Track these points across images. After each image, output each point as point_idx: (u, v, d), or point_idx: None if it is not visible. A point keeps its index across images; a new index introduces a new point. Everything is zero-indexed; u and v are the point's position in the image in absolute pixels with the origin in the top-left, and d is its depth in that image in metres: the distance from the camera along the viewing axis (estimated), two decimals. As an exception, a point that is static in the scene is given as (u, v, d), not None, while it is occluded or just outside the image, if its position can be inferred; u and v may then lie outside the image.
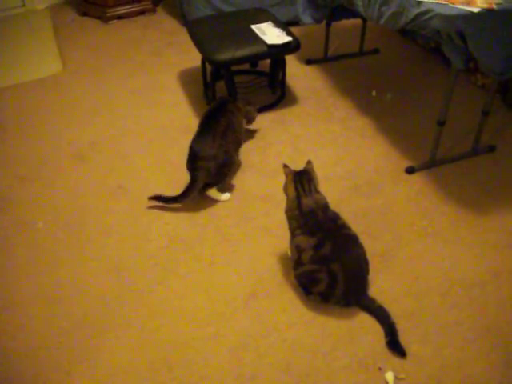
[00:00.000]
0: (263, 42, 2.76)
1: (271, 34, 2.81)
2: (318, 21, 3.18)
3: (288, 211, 2.03)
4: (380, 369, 1.80)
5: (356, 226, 2.03)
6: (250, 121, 2.74)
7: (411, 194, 2.50)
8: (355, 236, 1.98)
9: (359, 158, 2.72)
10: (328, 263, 1.90)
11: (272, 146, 2.80)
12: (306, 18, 3.15)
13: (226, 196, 2.47)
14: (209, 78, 3.10)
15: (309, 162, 2.05)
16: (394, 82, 3.36)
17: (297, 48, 2.84)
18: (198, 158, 2.37)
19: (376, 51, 3.64)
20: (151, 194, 2.42)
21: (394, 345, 1.85)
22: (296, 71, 3.40)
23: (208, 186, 2.44)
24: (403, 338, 1.86)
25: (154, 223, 2.36)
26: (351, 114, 3.04)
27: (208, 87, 3.13)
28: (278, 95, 3.11)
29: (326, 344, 1.88)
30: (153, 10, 4.19)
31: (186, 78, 3.41)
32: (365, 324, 1.94)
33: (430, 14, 2.03)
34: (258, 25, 2.91)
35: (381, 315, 1.94)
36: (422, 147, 2.76)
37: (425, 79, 3.40)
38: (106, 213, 2.43)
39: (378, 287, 2.06)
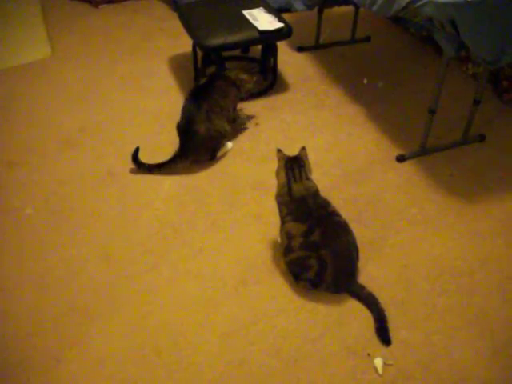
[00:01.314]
0: (255, 27, 2.74)
1: (263, 20, 2.79)
2: (310, 7, 3.16)
3: (278, 197, 2.03)
4: (369, 355, 1.81)
5: (346, 213, 2.04)
6: (242, 91, 2.67)
7: (401, 182, 2.51)
8: (345, 223, 1.99)
9: (350, 146, 2.72)
10: (318, 250, 1.90)
11: (263, 133, 2.79)
12: (299, 5, 3.13)
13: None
14: (200, 64, 3.08)
15: (303, 149, 2.04)
16: (386, 70, 3.35)
17: (288, 34, 2.82)
18: (190, 130, 2.43)
19: (367, 39, 3.62)
20: (141, 181, 2.41)
21: (382, 332, 1.86)
22: (287, 58, 3.37)
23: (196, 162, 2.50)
24: (392, 325, 1.88)
25: (145, 209, 2.35)
26: (342, 101, 3.04)
27: (199, 73, 3.10)
28: (270, 82, 3.09)
29: (315, 330, 1.88)
30: (143, -5, 4.15)
31: (176, 64, 3.38)
32: (354, 310, 1.94)
33: (423, 1, 2.02)
34: (249, 10, 2.89)
35: (370, 302, 1.95)
36: (413, 135, 2.76)
37: (416, 68, 3.39)
38: (96, 199, 2.41)
39: (368, 274, 2.07)
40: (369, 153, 2.67)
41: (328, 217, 1.96)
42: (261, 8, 2.91)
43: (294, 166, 2.00)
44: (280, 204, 2.02)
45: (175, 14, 3.77)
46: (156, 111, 2.96)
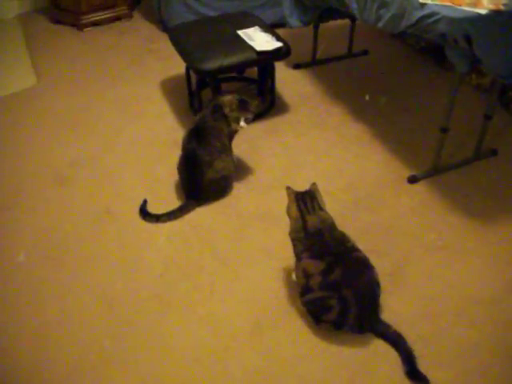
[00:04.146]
0: (252, 48, 2.61)
1: (260, 40, 2.66)
2: (306, 23, 3.04)
3: (292, 233, 1.89)
4: (402, 401, 1.68)
5: (361, 243, 1.90)
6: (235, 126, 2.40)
7: (415, 206, 2.38)
8: (366, 258, 1.85)
9: (358, 168, 2.59)
10: (339, 289, 1.77)
11: (265, 159, 2.65)
12: (294, 22, 3.01)
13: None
14: (194, 87, 2.94)
15: (313, 184, 1.91)
16: (387, 85, 3.24)
17: (287, 54, 2.69)
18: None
19: (365, 52, 3.51)
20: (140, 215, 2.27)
21: (414, 374, 1.73)
22: (284, 76, 3.25)
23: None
24: (421, 364, 1.74)
25: (147, 250, 2.19)
26: (345, 120, 2.92)
27: (193, 96, 2.97)
28: (268, 103, 2.96)
29: (341, 376, 1.74)
30: (129, 16, 3.99)
31: (169, 87, 3.24)
32: (380, 352, 1.81)
33: (436, 18, 1.91)
34: (244, 30, 2.76)
35: (397, 342, 1.81)
36: (422, 153, 2.65)
37: (417, 80, 3.29)
38: (93, 240, 2.25)
39: (390, 310, 1.93)
40: (379, 175, 2.55)
41: (347, 253, 1.82)
42: (256, 27, 2.78)
43: (305, 198, 1.87)
44: (294, 240, 1.88)
45: (164, 35, 3.66)
46: (152, 139, 2.81)
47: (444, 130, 2.37)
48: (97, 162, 2.67)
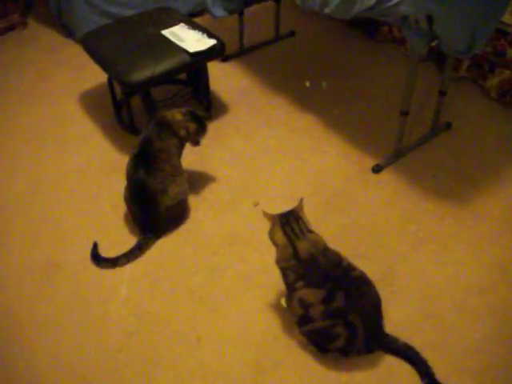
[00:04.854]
0: (184, 50, 2.31)
1: (190, 39, 2.37)
2: (232, 12, 2.78)
3: (281, 262, 1.68)
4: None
5: (343, 249, 1.71)
6: (187, 138, 2.12)
7: (387, 197, 2.26)
8: (363, 274, 1.69)
9: (318, 165, 2.42)
10: (344, 316, 1.60)
11: (217, 170, 2.40)
12: (218, 11, 2.73)
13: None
14: (119, 97, 2.61)
15: (300, 201, 1.71)
16: (323, 66, 3.07)
17: (222, 51, 2.43)
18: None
19: (292, 34, 3.32)
20: (92, 270, 1.96)
21: (434, 384, 1.62)
22: (214, 72, 2.95)
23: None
24: (436, 372, 1.62)
25: (111, 302, 1.89)
26: (291, 112, 2.72)
27: (120, 107, 2.64)
28: (205, 106, 2.68)
29: (360, 406, 1.60)
30: (24, 24, 3.47)
31: (89, 102, 2.85)
32: (395, 369, 1.67)
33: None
34: (169, 29, 2.45)
35: (408, 354, 1.69)
36: (379, 137, 2.53)
37: (352, 57, 3.16)
38: (44, 301, 1.90)
39: (391, 319, 1.79)
40: (342, 169, 2.39)
41: (345, 275, 1.65)
42: (181, 24, 2.48)
43: (290, 221, 1.67)
44: (284, 269, 1.68)
45: (69, 41, 3.25)
46: (83, 166, 2.45)
47: (404, 113, 2.25)
48: (25, 204, 2.28)
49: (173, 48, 2.34)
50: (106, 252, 2.03)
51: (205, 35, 2.40)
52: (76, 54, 3.12)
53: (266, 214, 1.69)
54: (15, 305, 1.90)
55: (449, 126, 2.57)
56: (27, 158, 2.51)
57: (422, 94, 2.49)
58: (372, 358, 1.70)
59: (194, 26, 2.47)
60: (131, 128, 2.55)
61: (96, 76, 2.90)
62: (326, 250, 1.67)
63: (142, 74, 2.24)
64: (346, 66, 3.08)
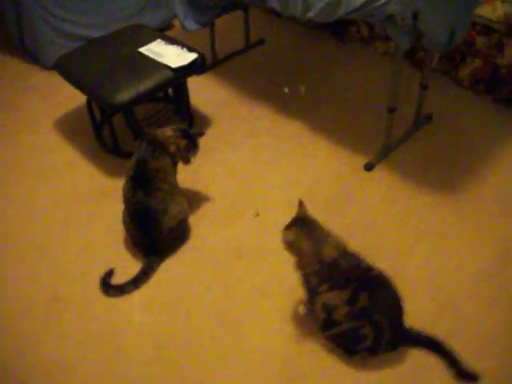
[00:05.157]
0: (166, 66, 2.27)
1: (170, 55, 2.33)
2: (203, 24, 2.75)
3: (305, 269, 1.66)
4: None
5: None
6: (179, 157, 2.08)
7: (383, 193, 2.29)
8: (381, 273, 1.70)
9: (311, 170, 2.42)
10: (370, 316, 1.60)
11: (211, 185, 2.36)
12: (191, 24, 2.70)
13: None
14: (98, 119, 2.54)
15: (300, 204, 1.70)
16: (297, 71, 3.09)
17: (203, 64, 2.40)
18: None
19: (262, 41, 3.32)
20: (100, 295, 1.90)
21: (463, 374, 1.64)
22: (191, 86, 2.89)
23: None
24: (464, 361, 1.64)
25: (124, 334, 1.81)
26: (275, 120, 2.71)
27: (100, 129, 2.57)
28: (187, 121, 2.64)
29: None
30: (-20, 51, 3.33)
31: (66, 128, 2.74)
32: (421, 362, 1.69)
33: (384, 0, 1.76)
34: (146, 46, 2.40)
35: (433, 345, 1.71)
36: (365, 136, 2.57)
37: (323, 59, 3.20)
38: (53, 339, 1.81)
39: (409, 314, 1.79)
40: (334, 171, 2.40)
41: (366, 275, 1.66)
42: (158, 40, 2.44)
43: (311, 229, 1.65)
44: (307, 275, 1.66)
45: (36, 67, 3.14)
46: (72, 196, 2.34)
47: (391, 110, 2.29)
48: (18, 238, 2.17)
49: (154, 65, 2.29)
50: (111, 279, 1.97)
51: (185, 49, 2.37)
52: (43, 80, 3.02)
53: (288, 229, 1.66)
54: (22, 346, 1.80)
55: (430, 118, 2.63)
56: (11, 193, 2.40)
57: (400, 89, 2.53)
58: (397, 353, 1.71)
59: (172, 42, 2.44)
60: (115, 150, 2.49)
61: (68, 101, 2.83)
62: (345, 251, 1.66)
63: (126, 94, 2.19)
64: (320, 68, 3.10)
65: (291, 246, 1.65)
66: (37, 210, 2.30)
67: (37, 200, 2.35)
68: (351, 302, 1.60)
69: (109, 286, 1.93)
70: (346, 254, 1.65)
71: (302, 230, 1.63)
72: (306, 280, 1.67)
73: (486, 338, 1.76)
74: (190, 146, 2.05)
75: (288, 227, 1.66)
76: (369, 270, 1.67)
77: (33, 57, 3.15)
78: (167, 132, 2.02)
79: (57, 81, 2.45)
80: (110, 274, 1.97)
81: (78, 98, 2.57)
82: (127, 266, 2.02)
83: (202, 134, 2.12)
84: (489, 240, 2.07)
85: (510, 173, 2.35)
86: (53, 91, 2.90)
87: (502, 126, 2.61)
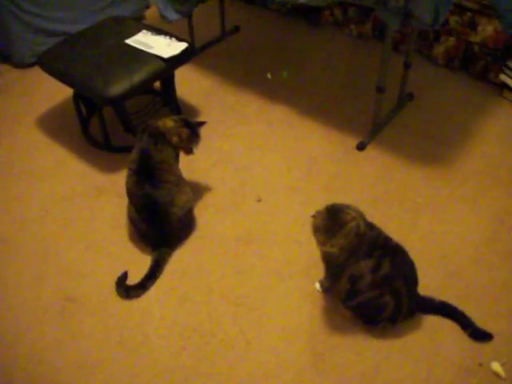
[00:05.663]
0: (157, 56, 2.25)
1: (159, 45, 2.31)
2: (185, 14, 2.73)
3: (334, 246, 1.67)
4: (481, 364, 1.67)
5: None
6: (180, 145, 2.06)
7: (379, 171, 2.36)
8: (398, 243, 1.76)
9: (306, 153, 2.46)
10: (391, 283, 1.67)
11: (210, 173, 2.37)
12: (171, 15, 2.68)
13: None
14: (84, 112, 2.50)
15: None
16: (276, 57, 3.12)
17: (193, 53, 2.39)
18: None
19: (237, 29, 3.32)
20: (116, 295, 1.88)
21: (477, 334, 1.74)
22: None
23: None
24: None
25: (146, 325, 1.81)
26: (263, 105, 2.74)
27: (88, 123, 2.52)
28: (176, 112, 2.62)
29: (419, 365, 1.67)
30: None
31: (51, 126, 2.66)
32: (437, 326, 1.77)
33: (381, -19, 1.81)
34: (133, 38, 2.37)
35: (447, 310, 1.80)
36: (352, 116, 2.63)
37: (299, 43, 3.24)
38: (71, 341, 1.78)
39: (419, 283, 1.88)
40: (329, 153, 2.45)
41: (387, 244, 1.72)
42: (144, 31, 2.41)
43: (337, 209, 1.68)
44: (336, 252, 1.68)
45: (7, 66, 3.04)
46: (68, 195, 2.29)
47: (380, 90, 2.35)
48: (22, 242, 2.11)
49: (144, 56, 2.27)
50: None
51: (173, 39, 2.35)
52: (17, 79, 2.92)
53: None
54: (42, 349, 1.76)
55: (411, 96, 2.72)
56: (2, 197, 2.31)
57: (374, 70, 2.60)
58: (414, 321, 1.78)
59: (158, 32, 2.41)
60: (106, 144, 2.45)
61: (48, 99, 2.75)
62: (368, 223, 1.71)
63: (119, 87, 2.15)
64: (297, 53, 3.14)
65: (321, 229, 1.67)
66: (33, 212, 2.24)
67: (32, 202, 2.28)
68: (375, 270, 1.65)
69: (128, 289, 1.90)
70: (368, 224, 1.71)
71: (327, 209, 1.66)
72: (334, 257, 1.69)
73: (493, 299, 1.85)
74: (191, 136, 2.04)
75: (314, 216, 1.69)
76: (388, 239, 1.73)
77: (3, 55, 3.03)
78: (168, 123, 2.01)
79: (32, 79, 2.37)
80: (124, 277, 1.94)
81: (57, 96, 2.51)
82: (136, 260, 2.01)
83: (202, 123, 2.11)
84: (483, 209, 2.18)
85: (493, 143, 2.48)
86: (27, 91, 2.82)
87: (479, 100, 2.74)
